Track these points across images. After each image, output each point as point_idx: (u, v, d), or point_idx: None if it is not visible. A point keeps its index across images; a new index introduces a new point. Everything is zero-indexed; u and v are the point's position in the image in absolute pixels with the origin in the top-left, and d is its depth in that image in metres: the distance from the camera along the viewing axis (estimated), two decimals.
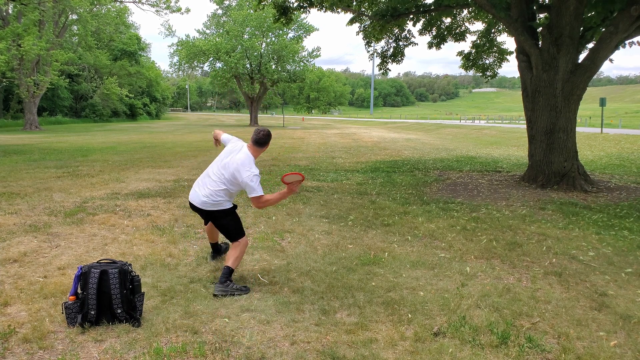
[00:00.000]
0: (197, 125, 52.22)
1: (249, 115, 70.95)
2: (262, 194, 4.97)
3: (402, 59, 17.17)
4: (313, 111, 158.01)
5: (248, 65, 57.93)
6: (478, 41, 16.91)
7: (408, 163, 17.08)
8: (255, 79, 58.15)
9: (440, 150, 23.18)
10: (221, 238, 6.38)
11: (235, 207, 5.34)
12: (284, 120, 64.72)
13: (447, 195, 10.69)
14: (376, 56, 17.40)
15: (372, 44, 17.25)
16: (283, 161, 17.37)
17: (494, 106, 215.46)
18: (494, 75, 17.11)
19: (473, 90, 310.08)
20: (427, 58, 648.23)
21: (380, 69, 17.46)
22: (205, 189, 5.15)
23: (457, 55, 17.59)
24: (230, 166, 5.07)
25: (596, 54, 11.24)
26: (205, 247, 6.48)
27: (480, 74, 17.30)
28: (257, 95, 59.42)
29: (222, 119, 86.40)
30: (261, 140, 5.19)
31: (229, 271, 5.07)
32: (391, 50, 17.15)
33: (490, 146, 26.82)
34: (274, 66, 58.24)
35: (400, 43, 17.05)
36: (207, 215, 5.28)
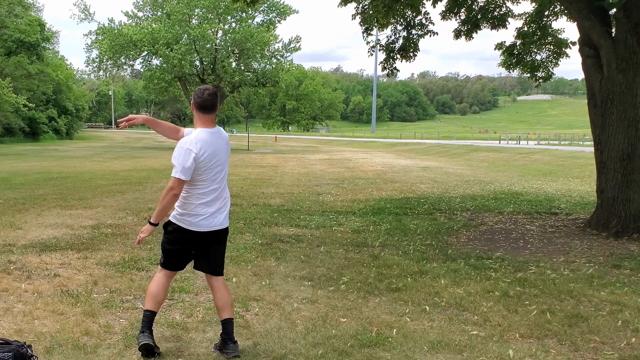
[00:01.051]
0: (125, 147, 52.08)
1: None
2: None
3: (416, 55, 17.27)
4: (290, 128, 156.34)
5: (198, 63, 58.35)
6: (525, 28, 16.89)
7: (426, 202, 17.19)
8: (207, 81, 58.24)
9: (471, 184, 23.40)
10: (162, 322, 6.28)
11: None
12: (248, 140, 63.71)
13: (481, 247, 10.79)
14: (379, 49, 17.51)
15: (373, 32, 17.39)
16: (247, 199, 17.41)
17: (547, 120, 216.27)
18: (548, 76, 17.14)
19: (518, 98, 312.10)
20: (452, 52, 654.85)
21: (384, 67, 17.47)
22: (228, 202, 5.80)
23: (495, 49, 17.54)
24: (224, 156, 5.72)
25: None
26: (137, 320, 6.42)
27: (529, 75, 17.37)
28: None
29: (160, 139, 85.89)
30: (207, 103, 5.52)
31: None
32: (400, 41, 17.23)
33: (543, 178, 27.13)
34: (234, 64, 58.60)
35: (414, 32, 17.16)
36: (213, 242, 5.74)
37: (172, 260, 5.76)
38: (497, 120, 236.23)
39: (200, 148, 5.34)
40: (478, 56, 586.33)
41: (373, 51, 17.82)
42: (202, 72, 58.72)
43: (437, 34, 17.13)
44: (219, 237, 5.72)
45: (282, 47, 60.69)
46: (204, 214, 5.49)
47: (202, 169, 5.40)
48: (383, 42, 17.51)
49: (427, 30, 17.19)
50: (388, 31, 17.41)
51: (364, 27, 17.08)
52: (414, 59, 17.41)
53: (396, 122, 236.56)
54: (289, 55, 61.26)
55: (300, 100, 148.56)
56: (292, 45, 60.64)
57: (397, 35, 17.34)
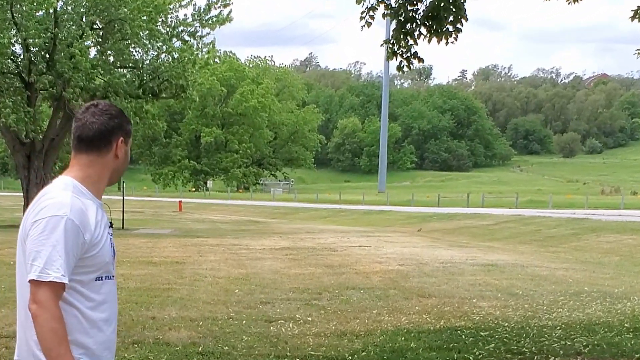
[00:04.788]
0: None
1: (21, 194, 37.49)
2: (59, 279, 2.96)
3: (460, 29, 10.54)
4: (210, 183, 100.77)
5: (18, 49, 34.55)
6: None
7: (492, 336, 11.30)
8: (38, 86, 34.67)
9: (585, 299, 14.97)
10: None
11: None
12: (124, 210, 37.26)
13: None
14: (386, 18, 11.10)
15: None
16: (121, 330, 11.20)
17: None
18: None
19: None
20: (544, 28, 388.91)
21: (392, 54, 10.95)
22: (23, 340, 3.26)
23: (632, 19, 11.93)
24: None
25: None
26: None
27: None
28: (43, 135, 33.79)
29: None
30: (98, 132, 3.07)
31: None
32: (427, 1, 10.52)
33: None
34: (94, 51, 34.67)
35: None
36: None
37: None
38: (638, 168, 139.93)
39: None
40: (597, 36, 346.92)
41: (372, 18, 10.67)
42: (28, 68, 33.18)
43: None
44: None
45: (193, 16, 33.49)
46: None
47: None
48: (392, 2, 10.62)
49: None
50: None
51: None
52: (456, 38, 10.43)
53: (429, 172, 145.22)
54: (208, 34, 33.55)
55: (232, 126, 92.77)
56: (213, 12, 32.93)
57: None
